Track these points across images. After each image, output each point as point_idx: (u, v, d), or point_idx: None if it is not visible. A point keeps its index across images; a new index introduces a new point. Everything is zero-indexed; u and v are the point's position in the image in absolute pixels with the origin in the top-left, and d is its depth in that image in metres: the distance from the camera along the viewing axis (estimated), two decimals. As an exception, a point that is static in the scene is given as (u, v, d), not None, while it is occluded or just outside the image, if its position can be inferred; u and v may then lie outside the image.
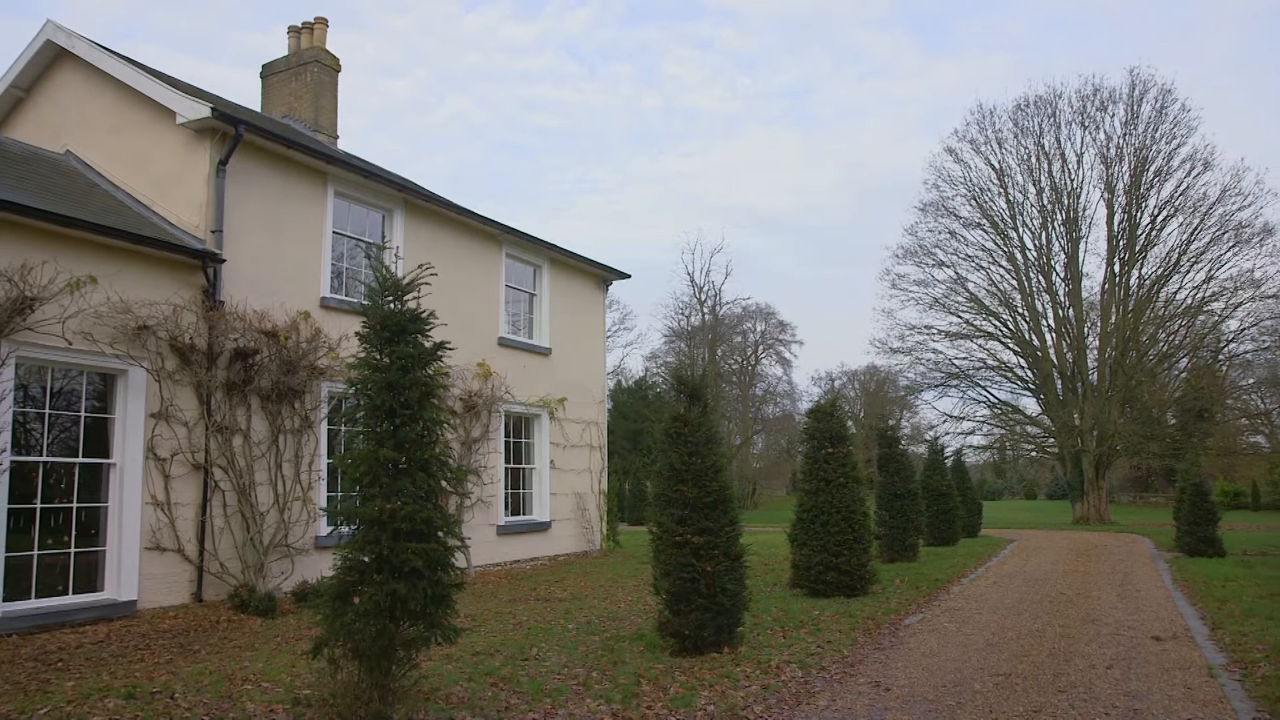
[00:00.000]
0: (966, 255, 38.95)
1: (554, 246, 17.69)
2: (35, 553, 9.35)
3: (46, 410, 9.68)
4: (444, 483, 5.50)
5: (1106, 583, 14.00)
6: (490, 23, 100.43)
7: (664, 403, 43.21)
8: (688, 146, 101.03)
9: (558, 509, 17.51)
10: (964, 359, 39.72)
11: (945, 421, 41.86)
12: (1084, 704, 6.52)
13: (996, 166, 37.81)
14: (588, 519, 18.47)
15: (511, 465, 16.57)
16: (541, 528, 16.99)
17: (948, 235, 39.27)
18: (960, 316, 39.51)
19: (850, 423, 16.03)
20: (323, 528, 12.07)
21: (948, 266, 39.30)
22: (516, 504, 16.79)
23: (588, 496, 18.57)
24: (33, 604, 9.18)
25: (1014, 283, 38.07)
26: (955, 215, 39.03)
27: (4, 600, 8.85)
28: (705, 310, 57.68)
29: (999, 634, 9.42)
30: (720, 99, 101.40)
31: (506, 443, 16.38)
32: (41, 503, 9.49)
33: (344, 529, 5.40)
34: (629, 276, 20.12)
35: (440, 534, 5.38)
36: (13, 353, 9.02)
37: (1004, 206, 37.96)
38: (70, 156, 12.95)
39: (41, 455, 9.57)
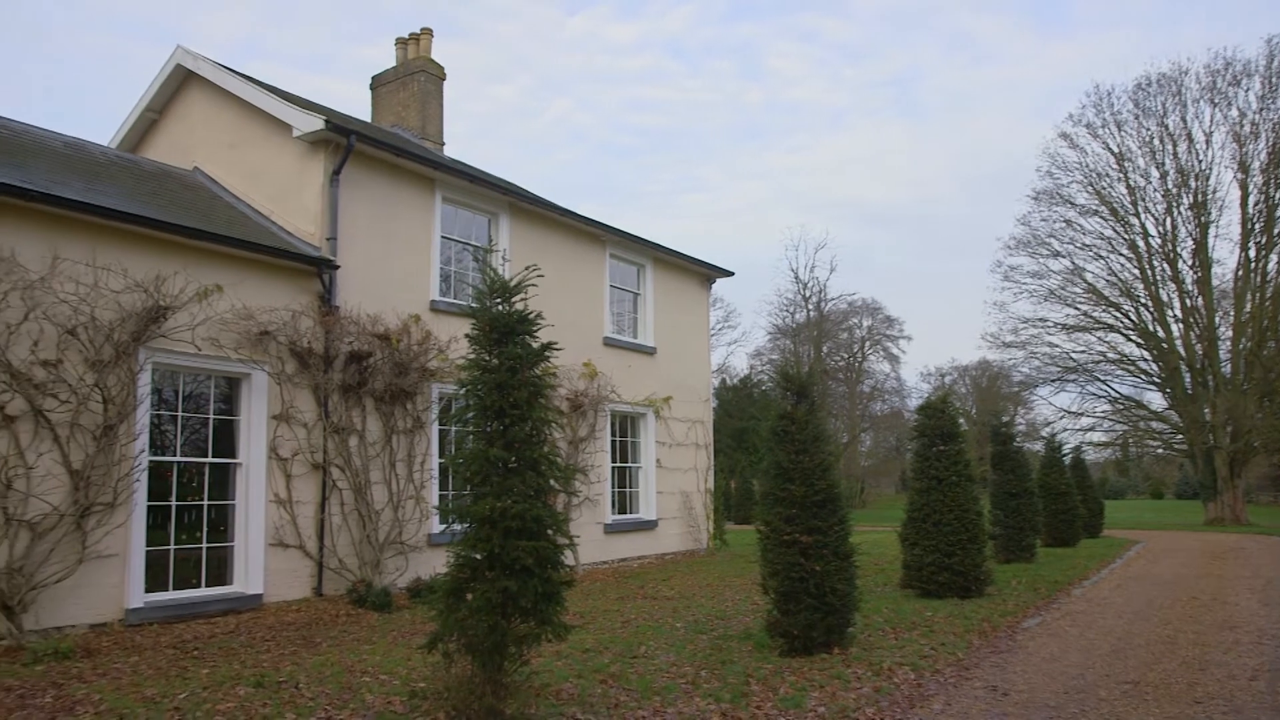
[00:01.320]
0: (1083, 244, 37.34)
1: (657, 246, 17.74)
2: (171, 547, 9.88)
3: (179, 413, 10.21)
4: (553, 481, 5.56)
5: (1246, 587, 13.22)
6: (592, 25, 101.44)
7: (769, 400, 42.86)
8: (792, 141, 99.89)
9: (664, 507, 17.55)
10: (1082, 352, 38.13)
11: (1063, 417, 40.23)
12: (1225, 717, 6.16)
13: (1115, 150, 36.12)
14: (694, 517, 18.45)
15: (618, 464, 16.68)
16: (648, 526, 17.05)
17: (1063, 224, 37.74)
18: (1077, 308, 37.94)
19: (962, 419, 15.55)
20: (435, 525, 12.40)
21: (1063, 257, 37.79)
22: (623, 503, 16.89)
23: (694, 495, 18.56)
24: (170, 595, 9.70)
25: (1136, 271, 36.30)
26: (1071, 203, 37.47)
27: (145, 591, 9.39)
28: (810, 307, 56.93)
29: (1126, 640, 9.01)
30: (825, 91, 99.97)
31: (613, 442, 16.49)
32: (176, 500, 10.02)
33: (456, 527, 5.51)
34: (732, 274, 20.01)
35: (550, 532, 5.43)
36: (149, 359, 9.54)
37: (1124, 192, 36.24)
38: (197, 172, 13.62)
39: (175, 456, 10.09)
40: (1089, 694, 6.78)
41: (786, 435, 8.35)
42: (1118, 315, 37.19)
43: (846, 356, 59.26)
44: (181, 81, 14.42)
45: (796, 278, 63.65)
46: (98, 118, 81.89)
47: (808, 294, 56.83)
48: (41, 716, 5.74)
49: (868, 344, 58.93)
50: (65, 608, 8.66)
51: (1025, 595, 12.00)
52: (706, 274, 19.68)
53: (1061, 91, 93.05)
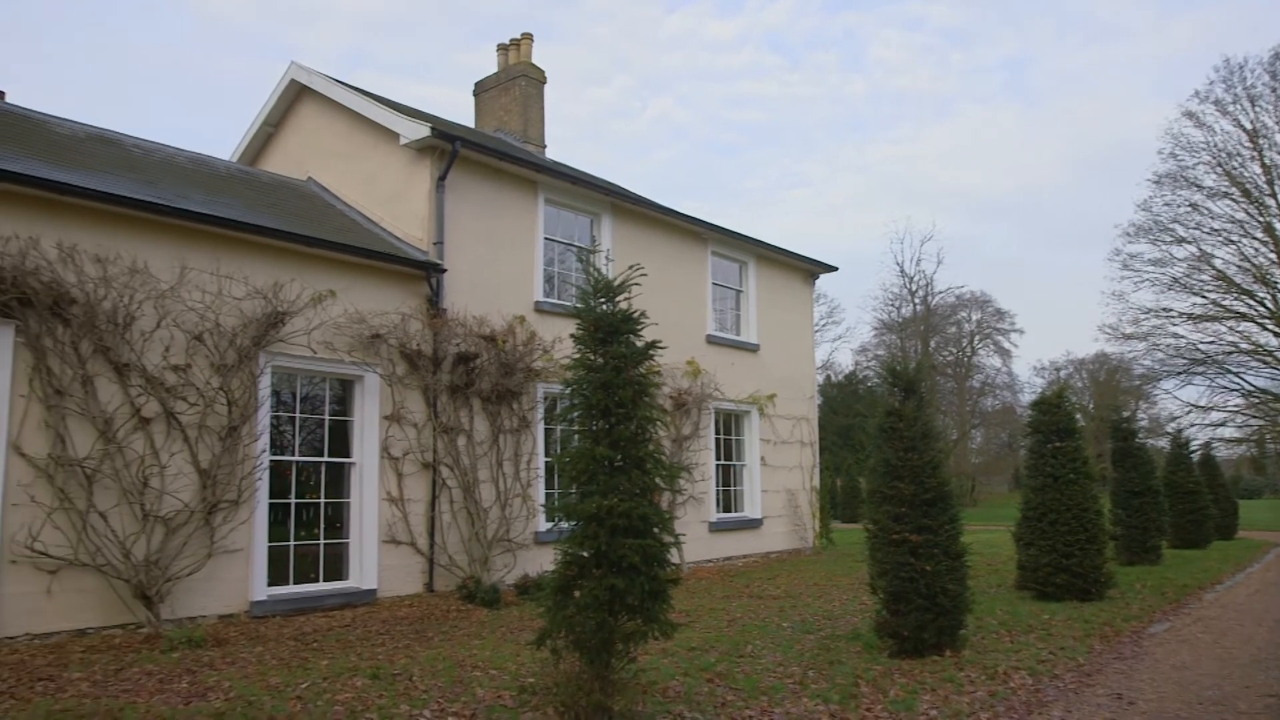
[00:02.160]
0: (1211, 229, 35.38)
1: (759, 242, 17.61)
2: (291, 543, 10.30)
3: (296, 414, 10.62)
4: (658, 479, 5.56)
5: (1396, 592, 12.37)
6: (691, 23, 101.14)
7: (876, 397, 42.08)
8: (897, 132, 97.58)
9: (769, 506, 17.41)
10: (1210, 343, 36.15)
11: (1190, 412, 38.24)
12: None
13: (1249, 127, 34.05)
14: (800, 516, 18.25)
15: (722, 462, 16.63)
16: (753, 525, 16.95)
17: (1188, 208, 35.84)
18: (1205, 297, 35.99)
19: (1078, 414, 14.89)
20: (541, 523, 12.58)
21: (1189, 243, 35.90)
22: (728, 501, 16.82)
23: (799, 493, 18.35)
24: (291, 589, 10.11)
25: (1273, 255, 34.20)
26: (1197, 185, 35.55)
27: (268, 585, 9.81)
28: (916, 301, 55.63)
29: (1268, 649, 8.50)
30: (931, 79, 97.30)
31: (716, 440, 16.45)
32: (295, 498, 10.44)
33: (563, 525, 5.57)
34: (836, 269, 19.72)
35: (656, 530, 5.44)
36: (269, 363, 9.95)
37: (1258, 171, 34.12)
38: (311, 182, 14.15)
39: (294, 455, 10.50)
40: (1226, 706, 6.42)
41: (894, 432, 8.18)
42: (1252, 303, 35.12)
43: (955, 351, 57.70)
44: (296, 95, 15.00)
45: (902, 271, 62.22)
46: (218, 132, 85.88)
47: (914, 288, 55.58)
48: (178, 700, 6.05)
49: (977, 338, 57.25)
50: (196, 599, 9.11)
51: (1151, 599, 11.47)
52: (809, 270, 19.44)
53: (1183, 68, 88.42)
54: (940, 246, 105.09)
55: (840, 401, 45.96)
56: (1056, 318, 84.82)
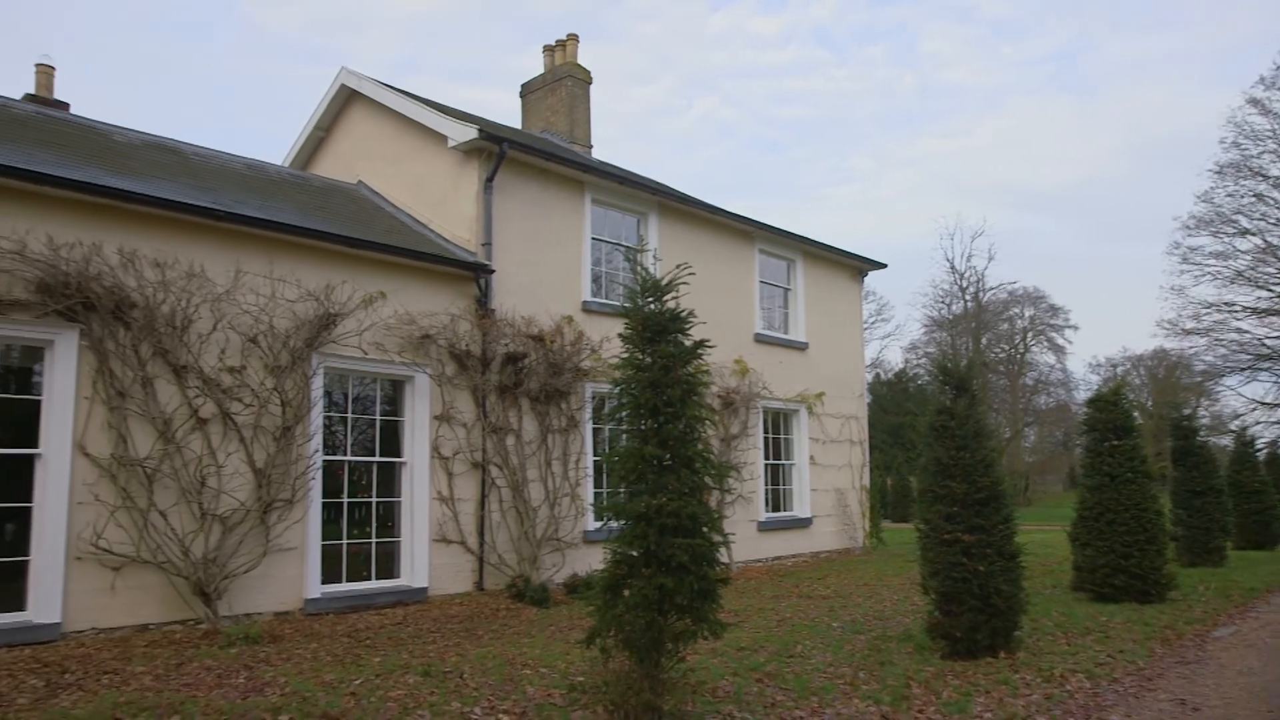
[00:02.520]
0: (1278, 219, 34.49)
1: (807, 240, 17.49)
2: (344, 542, 10.45)
3: (348, 415, 10.77)
4: (707, 479, 5.55)
5: None
6: (736, 19, 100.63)
7: (926, 395, 41.58)
8: (946, 126, 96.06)
9: (818, 505, 17.29)
10: (1277, 338, 35.23)
11: (1255, 409, 37.23)
12: None
13: (1317, 112, 33.06)
14: (849, 515, 18.09)
15: (771, 461, 16.54)
16: (802, 524, 16.84)
17: (1253, 199, 34.88)
18: (1271, 290, 35.02)
19: (1136, 413, 14.57)
20: (590, 522, 12.62)
21: (1253, 234, 34.95)
22: (776, 500, 16.74)
23: (849, 492, 18.20)
24: (344, 587, 10.26)
25: (1344, 247, 33.22)
26: (1262, 175, 34.56)
27: (322, 582, 9.96)
28: (967, 297, 54.87)
29: (1333, 651, 8.25)
30: (981, 72, 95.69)
31: (765, 438, 16.37)
32: (347, 498, 10.59)
33: (612, 524, 5.58)
34: (885, 266, 19.52)
35: (705, 529, 5.43)
36: (321, 364, 10.11)
37: (1328, 159, 33.17)
38: (361, 185, 14.34)
39: (346, 455, 10.65)
40: (1292, 710, 6.24)
41: (946, 430, 8.08)
42: (1321, 296, 34.12)
43: (1007, 348, 56.81)
44: (346, 100, 15.22)
45: (952, 268, 61.42)
46: (271, 138, 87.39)
47: (964, 284, 54.83)
48: (236, 695, 6.17)
49: (1030, 335, 56.30)
50: (252, 596, 9.28)
51: (1215, 602, 11.18)
52: (858, 267, 19.26)
53: (1244, 55, 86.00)
54: (991, 242, 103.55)
55: (890, 400, 45.50)
56: (1112, 313, 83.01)
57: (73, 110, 13.15)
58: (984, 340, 54.97)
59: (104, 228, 8.76)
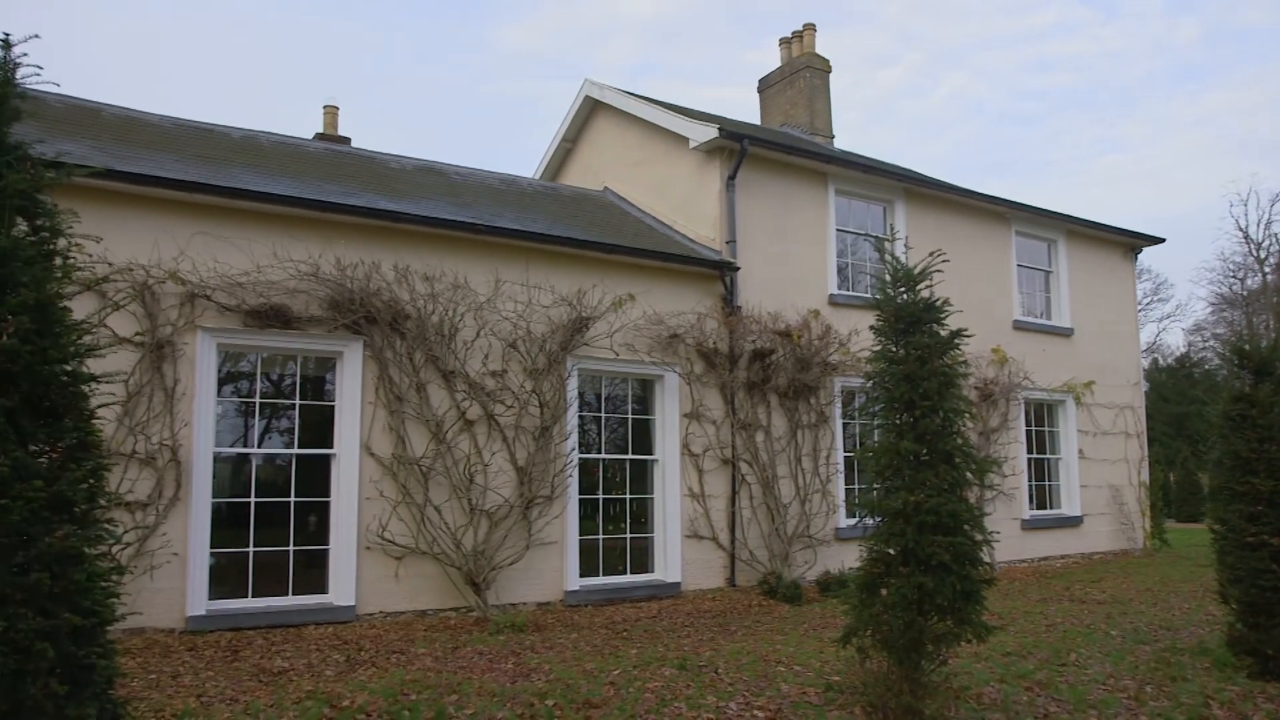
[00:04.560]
0: None
1: (1069, 217, 16.27)
2: (600, 537, 10.86)
3: (601, 414, 11.17)
4: (968, 474, 5.28)
5: None
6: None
7: (1216, 381, 37.57)
8: (1237, 77, 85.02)
9: (1089, 503, 16.03)
10: None
11: None
12: None
13: None
14: (1126, 514, 16.63)
15: (1034, 456, 15.53)
16: (1071, 523, 15.67)
17: None
18: None
19: None
20: (842, 519, 12.37)
21: None
22: (1042, 497, 15.69)
23: (1125, 489, 16.73)
24: (600, 580, 10.66)
25: None
26: None
27: (580, 576, 10.39)
28: (1265, 269, 48.95)
29: None
30: (1278, 10, 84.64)
31: (1027, 431, 15.39)
32: (602, 494, 10.99)
33: (867, 521, 5.44)
34: (1162, 241, 17.78)
35: (966, 527, 5.17)
36: (575, 366, 10.55)
37: None
38: (607, 192, 14.84)
39: (599, 453, 11.06)
40: None
41: (1245, 420, 7.21)
42: None
43: (1317, 327, 50.21)
44: (590, 111, 15.82)
45: (1246, 237, 54.84)
46: (524, 153, 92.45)
47: (1262, 254, 48.87)
48: (505, 679, 6.54)
49: (1345, 311, 49.45)
50: (517, 587, 9.83)
51: None
52: (1130, 243, 17.68)
53: None
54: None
55: (1171, 387, 41.47)
56: None
57: (353, 144, 14.52)
58: (1286, 319, 48.86)
59: (381, 247, 9.58)
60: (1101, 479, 16.33)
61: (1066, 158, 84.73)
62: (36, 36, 3.34)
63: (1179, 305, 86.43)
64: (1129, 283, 17.89)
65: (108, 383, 3.58)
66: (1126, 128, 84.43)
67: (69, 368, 3.26)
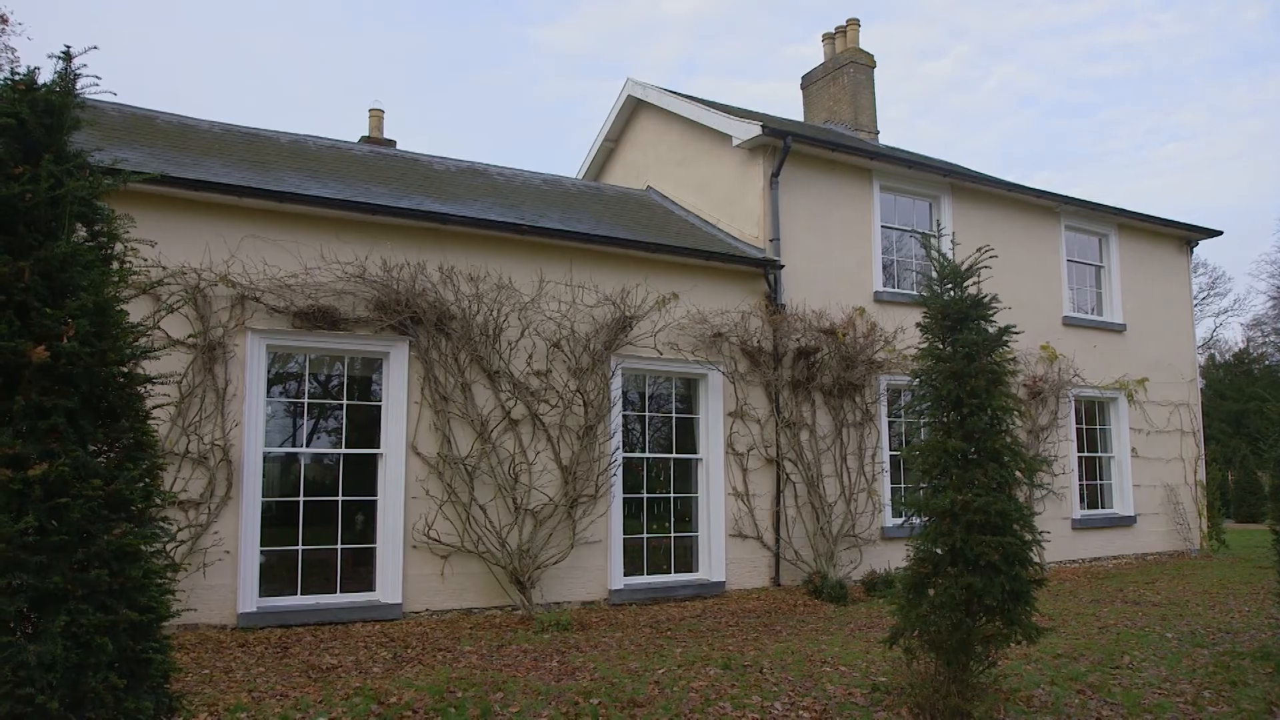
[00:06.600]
0: None
1: (1121, 210, 15.95)
2: (644, 536, 10.86)
3: (645, 413, 11.18)
4: (1017, 473, 5.21)
5: None
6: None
7: (1276, 377, 36.60)
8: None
9: (1143, 502, 15.70)
10: None
11: None
12: None
13: None
14: (1181, 514, 16.27)
15: (1085, 454, 15.25)
16: (1124, 523, 15.37)
17: None
18: None
19: None
20: (887, 518, 12.26)
21: None
22: (1093, 496, 15.41)
23: (1180, 489, 16.37)
24: (645, 579, 10.67)
25: None
26: None
27: (624, 574, 10.41)
28: (1326, 264, 47.60)
29: None
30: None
31: (1077, 429, 15.12)
32: (646, 493, 10.99)
33: (914, 520, 5.39)
34: (1220, 233, 17.37)
35: (1015, 527, 5.10)
36: (619, 365, 10.57)
37: None
38: (650, 191, 14.85)
39: (643, 452, 11.07)
40: None
41: (1306, 419, 7.04)
42: None
43: (1381, 322, 48.67)
44: (632, 110, 15.83)
45: (1305, 230, 53.53)
46: (568, 152, 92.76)
47: (1323, 248, 47.54)
48: (550, 677, 6.58)
49: None
50: (561, 585, 9.88)
51: None
52: (1185, 236, 17.29)
53: None
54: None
55: (1229, 384, 40.47)
56: None
57: (399, 146, 14.67)
58: (1349, 313, 47.43)
59: (426, 248, 9.68)
60: (1155, 478, 16.00)
61: (1121, 148, 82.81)
62: (95, 48, 3.42)
63: (1237, 299, 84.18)
64: (1184, 277, 17.50)
65: (162, 384, 3.66)
66: (1184, 116, 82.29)
67: (125, 369, 3.33)
